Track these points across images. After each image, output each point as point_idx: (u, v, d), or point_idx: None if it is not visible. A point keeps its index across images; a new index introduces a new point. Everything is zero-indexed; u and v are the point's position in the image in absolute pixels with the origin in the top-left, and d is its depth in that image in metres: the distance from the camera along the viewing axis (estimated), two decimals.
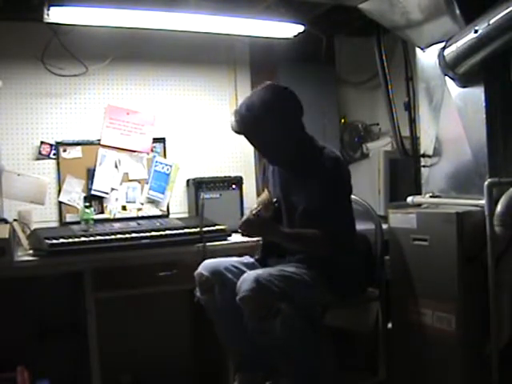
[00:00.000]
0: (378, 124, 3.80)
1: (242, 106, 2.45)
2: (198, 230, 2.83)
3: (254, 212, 2.41)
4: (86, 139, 3.20)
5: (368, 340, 2.65)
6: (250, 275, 2.25)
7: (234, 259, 2.52)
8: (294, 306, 2.22)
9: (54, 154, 3.13)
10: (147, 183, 3.31)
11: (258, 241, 2.70)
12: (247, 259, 2.55)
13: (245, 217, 2.41)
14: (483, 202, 2.40)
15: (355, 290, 2.51)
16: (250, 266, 2.49)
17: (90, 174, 3.18)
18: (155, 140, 3.34)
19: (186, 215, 3.34)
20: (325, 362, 2.32)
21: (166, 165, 3.34)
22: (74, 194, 3.15)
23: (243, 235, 2.48)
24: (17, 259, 2.57)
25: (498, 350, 2.38)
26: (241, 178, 3.33)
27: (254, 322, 2.24)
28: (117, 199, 3.25)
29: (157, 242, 2.77)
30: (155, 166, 3.33)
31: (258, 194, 3.49)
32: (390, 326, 2.73)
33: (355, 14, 2.87)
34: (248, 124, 2.41)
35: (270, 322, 2.20)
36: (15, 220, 2.85)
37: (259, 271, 2.29)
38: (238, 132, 2.47)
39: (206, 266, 2.46)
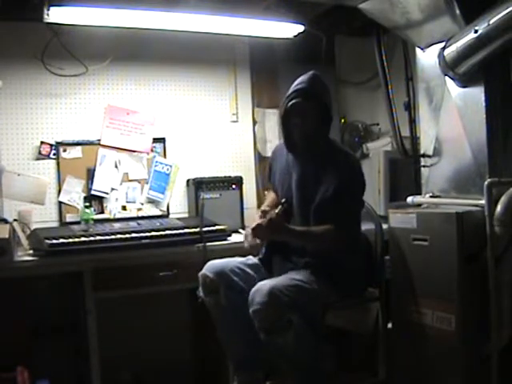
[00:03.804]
0: (378, 124, 3.80)
1: (305, 83, 2.39)
2: (198, 230, 2.83)
3: (260, 214, 2.40)
4: (86, 139, 3.20)
5: (368, 340, 2.65)
6: (264, 286, 2.21)
7: (238, 260, 2.50)
8: (303, 316, 2.22)
9: (54, 154, 3.13)
10: (147, 183, 3.31)
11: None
12: (251, 260, 2.53)
13: (254, 223, 2.35)
14: (483, 202, 2.41)
15: (357, 289, 2.52)
16: (255, 267, 2.49)
17: (90, 174, 3.18)
18: (155, 140, 3.34)
19: (186, 215, 3.34)
20: (325, 361, 2.32)
21: (166, 165, 3.34)
22: (73, 194, 3.15)
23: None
24: (17, 259, 2.57)
25: (498, 349, 2.38)
26: (241, 178, 3.33)
27: (266, 334, 2.22)
28: (117, 199, 3.24)
29: (157, 242, 2.77)
30: (155, 166, 3.33)
31: (258, 194, 3.49)
32: (390, 325, 2.73)
33: (355, 14, 2.87)
34: (315, 96, 2.39)
35: (281, 334, 2.20)
36: (15, 220, 2.84)
37: (272, 282, 2.25)
38: (300, 105, 2.37)
39: (211, 267, 2.42)
